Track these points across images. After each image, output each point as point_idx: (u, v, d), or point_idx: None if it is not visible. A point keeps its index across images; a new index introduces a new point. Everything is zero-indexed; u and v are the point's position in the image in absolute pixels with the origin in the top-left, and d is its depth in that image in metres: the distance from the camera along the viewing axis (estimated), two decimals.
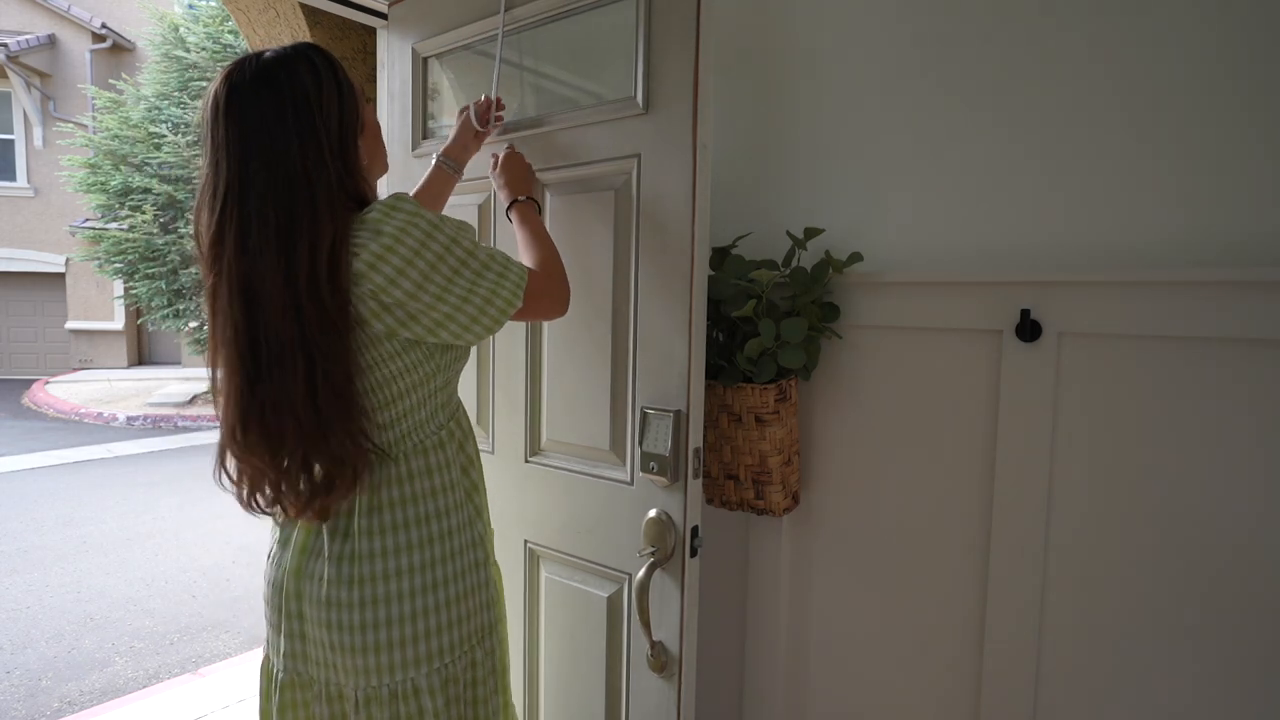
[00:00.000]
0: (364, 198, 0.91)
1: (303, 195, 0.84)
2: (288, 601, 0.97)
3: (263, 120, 0.85)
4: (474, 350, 1.41)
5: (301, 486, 0.90)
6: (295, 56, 0.88)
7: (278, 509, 0.94)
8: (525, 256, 1.11)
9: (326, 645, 0.95)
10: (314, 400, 0.85)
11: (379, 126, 1.03)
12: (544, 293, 1.03)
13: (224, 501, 0.99)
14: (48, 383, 10.36)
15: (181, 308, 8.54)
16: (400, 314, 0.89)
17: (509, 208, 1.18)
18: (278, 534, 1.02)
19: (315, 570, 0.95)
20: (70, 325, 11.27)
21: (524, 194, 1.19)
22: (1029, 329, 1.13)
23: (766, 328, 1.23)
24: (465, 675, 1.01)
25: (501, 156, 1.24)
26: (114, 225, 8.79)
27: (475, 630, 1.03)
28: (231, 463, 0.91)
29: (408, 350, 0.92)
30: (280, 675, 1.00)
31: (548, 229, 1.29)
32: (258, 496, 0.92)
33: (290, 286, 0.83)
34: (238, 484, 0.92)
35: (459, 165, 1.27)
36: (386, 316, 0.88)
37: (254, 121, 0.85)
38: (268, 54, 0.88)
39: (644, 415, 1.14)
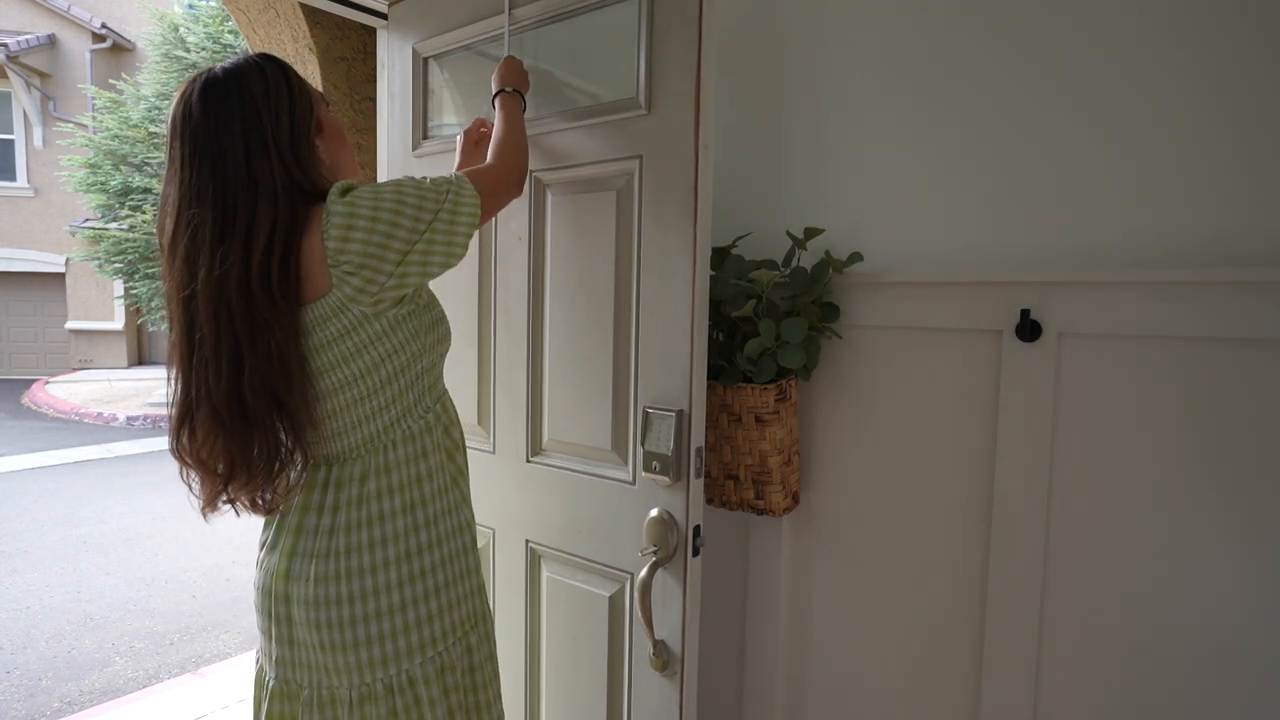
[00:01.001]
0: (325, 194, 0.92)
1: (245, 195, 0.87)
2: (276, 605, 0.97)
3: (213, 129, 0.88)
4: (475, 350, 1.42)
5: (238, 491, 0.91)
6: (246, 66, 0.92)
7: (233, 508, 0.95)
8: (492, 143, 1.15)
9: (317, 646, 0.94)
10: (239, 398, 0.86)
11: (342, 129, 1.05)
12: (495, 190, 1.06)
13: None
14: (48, 383, 10.36)
15: None
16: (384, 278, 0.90)
17: (495, 95, 1.21)
18: (266, 538, 1.01)
19: (303, 571, 0.95)
20: (70, 325, 11.27)
21: (511, 86, 1.21)
22: (1029, 329, 1.13)
23: (766, 328, 1.24)
24: (461, 662, 1.01)
25: (503, 59, 1.26)
26: (114, 225, 8.79)
27: (468, 615, 1.03)
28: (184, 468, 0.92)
29: (394, 330, 0.93)
30: (272, 683, 0.99)
31: (548, 227, 1.29)
32: (217, 501, 0.93)
33: (221, 284, 0.85)
34: (207, 495, 0.93)
35: None
36: (372, 287, 0.89)
37: (205, 132, 0.88)
38: (219, 66, 0.91)
39: (646, 415, 1.14)
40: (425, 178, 0.97)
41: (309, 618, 0.94)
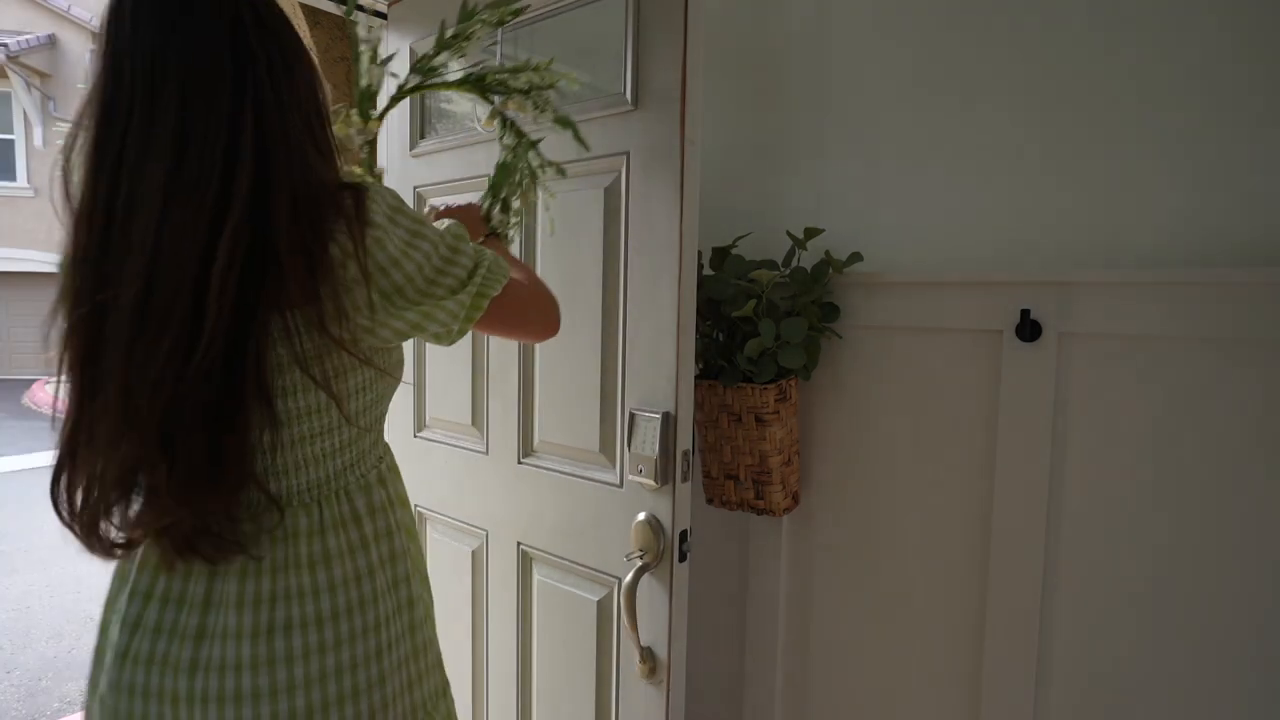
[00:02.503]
0: None
1: None
2: (170, 709, 0.70)
3: None
4: (469, 350, 1.41)
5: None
6: None
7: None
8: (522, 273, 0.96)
9: None
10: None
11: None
12: (527, 304, 0.88)
13: None
14: (48, 383, 10.35)
15: None
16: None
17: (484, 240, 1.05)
18: (132, 615, 0.74)
19: (212, 657, 0.70)
20: None
21: (486, 230, 1.07)
22: (1029, 329, 1.13)
23: (766, 328, 1.23)
24: None
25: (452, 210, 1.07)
26: None
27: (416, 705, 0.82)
28: None
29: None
30: None
31: (539, 223, 1.28)
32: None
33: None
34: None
35: None
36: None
37: None
38: None
39: (632, 417, 1.13)
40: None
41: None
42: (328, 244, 0.68)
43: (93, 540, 0.68)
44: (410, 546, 0.86)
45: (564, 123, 1.01)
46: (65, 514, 0.67)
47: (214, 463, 0.65)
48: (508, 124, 1.03)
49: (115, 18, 0.66)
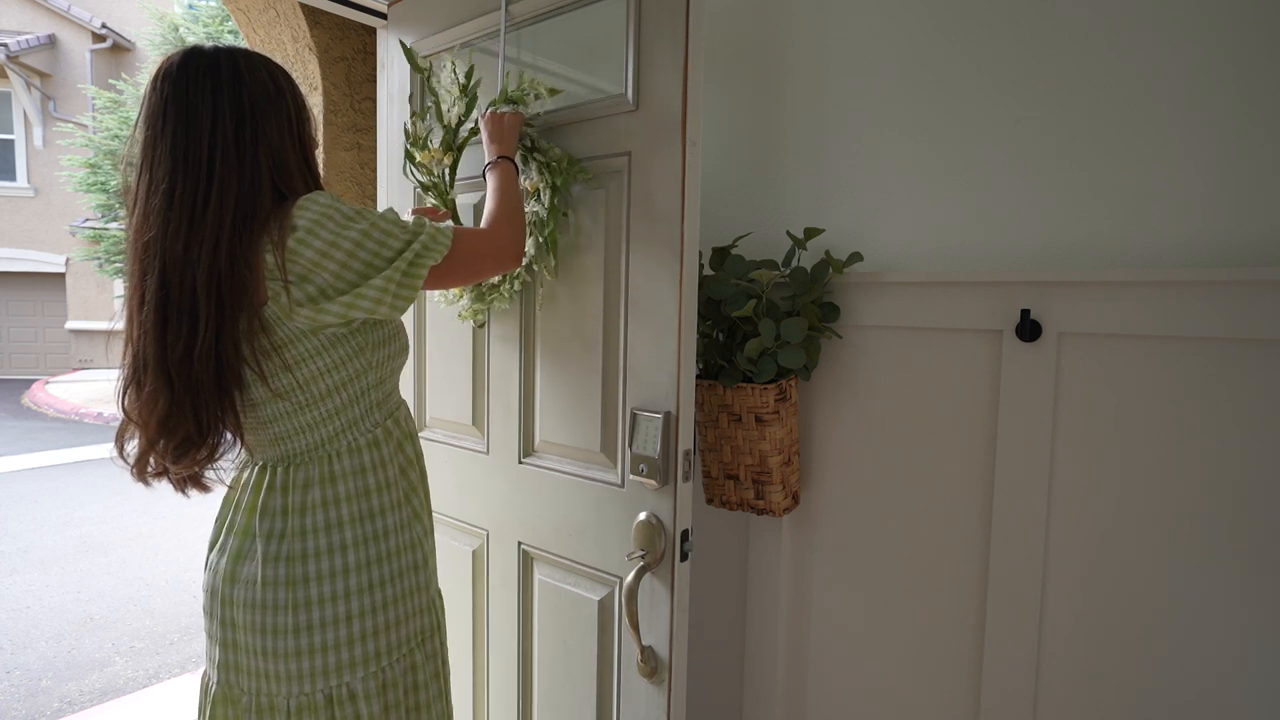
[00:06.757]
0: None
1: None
2: (222, 608, 0.95)
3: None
4: (469, 348, 1.41)
5: (172, 447, 0.89)
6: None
7: (164, 478, 0.95)
8: (486, 212, 1.11)
9: (258, 652, 0.93)
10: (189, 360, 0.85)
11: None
12: (478, 252, 1.03)
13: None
14: (48, 383, 10.36)
15: None
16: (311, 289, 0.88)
17: (495, 162, 1.16)
18: (214, 537, 1.00)
19: (248, 574, 0.93)
20: (70, 325, 11.27)
21: (503, 153, 1.17)
22: (1029, 329, 1.13)
23: (766, 328, 1.24)
24: (404, 679, 1.00)
25: (507, 115, 1.20)
26: (114, 225, 8.79)
27: (415, 632, 1.02)
28: (130, 439, 0.91)
29: (333, 347, 0.91)
30: (214, 688, 0.97)
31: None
32: (148, 461, 0.92)
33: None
34: (136, 456, 0.92)
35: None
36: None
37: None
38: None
39: (634, 417, 1.13)
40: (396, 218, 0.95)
41: (251, 621, 0.92)
42: (263, 256, 0.85)
43: (140, 474, 0.93)
44: (410, 501, 1.04)
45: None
46: (121, 457, 0.93)
47: (210, 425, 0.88)
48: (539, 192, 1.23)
49: (153, 80, 0.88)
